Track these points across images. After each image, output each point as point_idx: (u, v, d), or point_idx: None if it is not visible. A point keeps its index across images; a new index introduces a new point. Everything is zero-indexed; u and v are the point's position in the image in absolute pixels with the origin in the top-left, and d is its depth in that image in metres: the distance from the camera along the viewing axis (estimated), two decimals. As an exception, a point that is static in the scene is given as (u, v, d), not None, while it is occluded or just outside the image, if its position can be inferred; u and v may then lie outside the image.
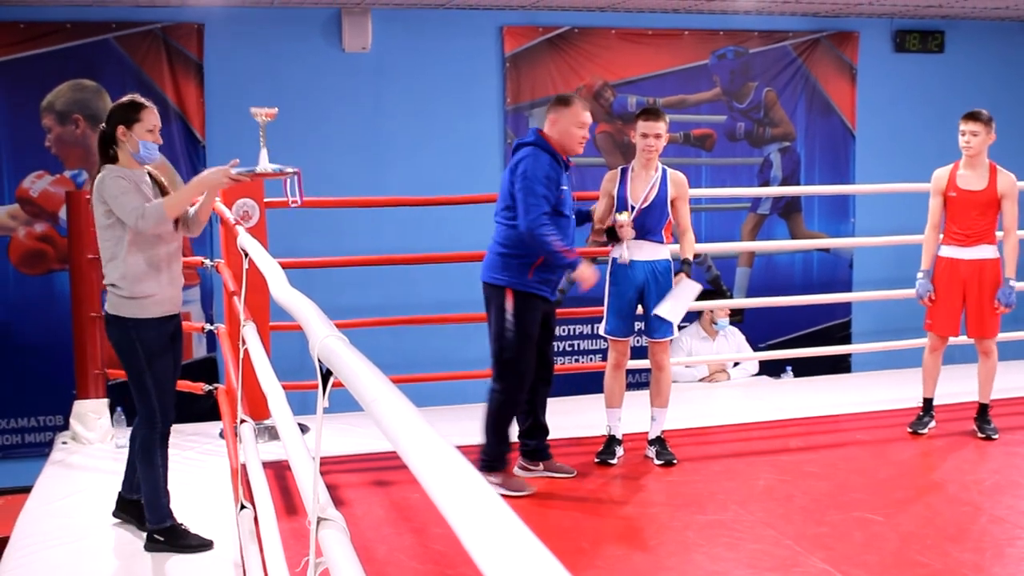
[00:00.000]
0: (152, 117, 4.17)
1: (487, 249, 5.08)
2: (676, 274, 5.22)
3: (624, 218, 5.16)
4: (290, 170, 4.52)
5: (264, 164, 4.41)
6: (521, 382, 4.92)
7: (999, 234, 5.69)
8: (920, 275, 5.79)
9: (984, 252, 5.62)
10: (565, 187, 4.92)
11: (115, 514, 4.55)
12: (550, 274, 4.90)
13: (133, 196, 4.05)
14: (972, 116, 5.71)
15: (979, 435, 5.68)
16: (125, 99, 4.23)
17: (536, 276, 4.86)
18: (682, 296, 5.21)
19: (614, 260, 5.30)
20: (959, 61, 9.41)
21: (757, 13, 8.81)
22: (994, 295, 5.59)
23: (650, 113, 5.25)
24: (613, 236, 5.24)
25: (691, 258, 5.28)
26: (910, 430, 5.75)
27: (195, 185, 4.22)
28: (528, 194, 4.75)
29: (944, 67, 9.40)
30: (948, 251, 5.71)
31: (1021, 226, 5.84)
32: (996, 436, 5.68)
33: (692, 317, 7.67)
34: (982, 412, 5.80)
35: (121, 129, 4.12)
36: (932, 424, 5.83)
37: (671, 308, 5.19)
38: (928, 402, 5.87)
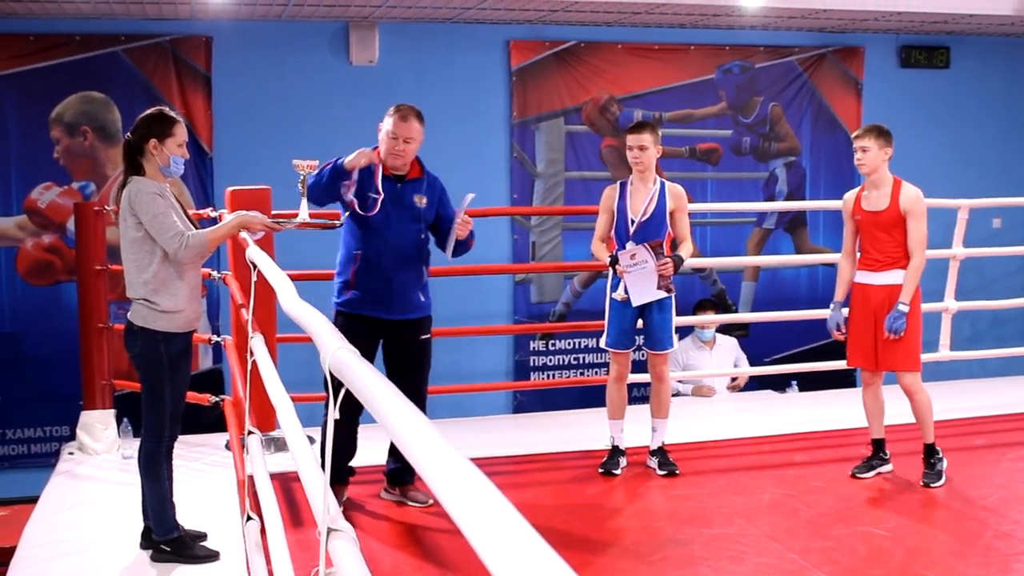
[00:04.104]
0: (183, 132, 4.19)
1: None
2: (661, 262, 5.17)
3: (625, 262, 5.17)
4: (335, 222, 4.54)
5: (304, 215, 4.43)
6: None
7: None
8: (831, 307, 5.40)
9: (895, 277, 5.11)
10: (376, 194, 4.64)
11: (143, 546, 4.35)
12: (361, 291, 4.66)
13: (171, 219, 4.04)
14: (861, 132, 5.24)
15: (920, 482, 5.19)
16: (154, 111, 4.21)
17: (352, 294, 4.71)
18: (639, 281, 5.19)
19: (615, 278, 5.32)
20: (965, 77, 9.43)
21: (763, 28, 8.84)
22: (906, 323, 5.07)
23: (635, 126, 5.33)
24: (615, 262, 5.25)
25: (683, 255, 5.28)
26: (852, 473, 5.30)
27: (235, 224, 4.23)
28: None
29: (950, 83, 9.42)
30: (860, 276, 5.24)
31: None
32: (939, 484, 5.16)
33: (687, 329, 7.69)
34: (926, 453, 5.25)
35: (153, 142, 4.11)
36: (885, 468, 5.34)
37: (636, 294, 5.21)
38: (877, 443, 5.38)
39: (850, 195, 5.37)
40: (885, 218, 5.13)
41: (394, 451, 4.93)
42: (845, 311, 5.43)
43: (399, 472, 4.92)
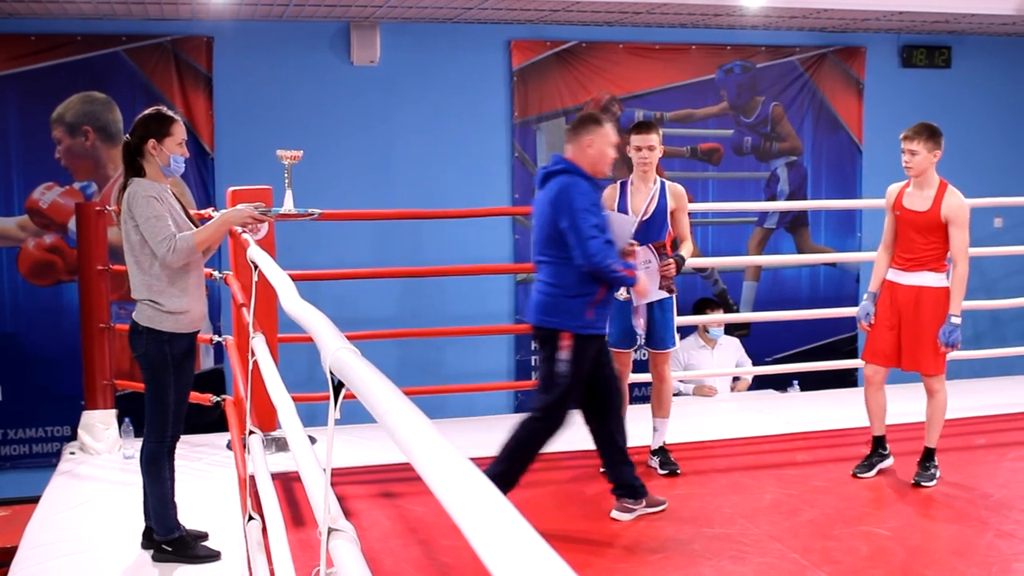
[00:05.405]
0: (181, 131, 4.19)
1: (534, 290, 4.71)
2: (664, 263, 5.18)
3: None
4: (316, 212, 4.56)
5: (288, 205, 4.45)
6: (563, 421, 4.63)
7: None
8: (865, 297, 5.35)
9: (925, 279, 5.09)
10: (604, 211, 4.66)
11: (144, 546, 4.37)
12: (606, 308, 4.63)
13: (165, 223, 4.04)
14: (911, 133, 5.11)
15: (911, 480, 5.21)
16: (152, 111, 4.21)
17: (596, 314, 4.55)
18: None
19: None
20: (966, 76, 9.43)
21: (764, 28, 8.84)
22: (931, 326, 5.07)
23: (642, 126, 5.30)
24: None
25: (684, 255, 5.29)
26: (853, 473, 5.31)
27: (222, 223, 4.22)
28: (583, 227, 4.39)
29: (951, 82, 9.41)
30: (888, 274, 5.24)
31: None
32: (930, 484, 5.16)
33: (689, 329, 7.68)
34: (924, 456, 5.27)
35: (152, 143, 4.11)
36: (884, 464, 5.37)
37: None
38: (877, 440, 5.37)
39: (894, 188, 5.30)
40: (924, 220, 5.08)
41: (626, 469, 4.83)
42: None
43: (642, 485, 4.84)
